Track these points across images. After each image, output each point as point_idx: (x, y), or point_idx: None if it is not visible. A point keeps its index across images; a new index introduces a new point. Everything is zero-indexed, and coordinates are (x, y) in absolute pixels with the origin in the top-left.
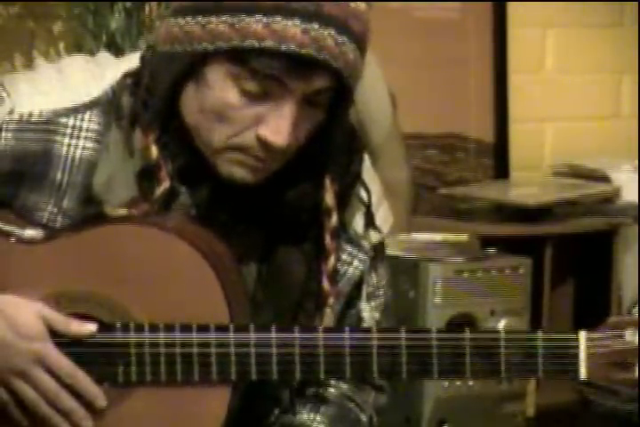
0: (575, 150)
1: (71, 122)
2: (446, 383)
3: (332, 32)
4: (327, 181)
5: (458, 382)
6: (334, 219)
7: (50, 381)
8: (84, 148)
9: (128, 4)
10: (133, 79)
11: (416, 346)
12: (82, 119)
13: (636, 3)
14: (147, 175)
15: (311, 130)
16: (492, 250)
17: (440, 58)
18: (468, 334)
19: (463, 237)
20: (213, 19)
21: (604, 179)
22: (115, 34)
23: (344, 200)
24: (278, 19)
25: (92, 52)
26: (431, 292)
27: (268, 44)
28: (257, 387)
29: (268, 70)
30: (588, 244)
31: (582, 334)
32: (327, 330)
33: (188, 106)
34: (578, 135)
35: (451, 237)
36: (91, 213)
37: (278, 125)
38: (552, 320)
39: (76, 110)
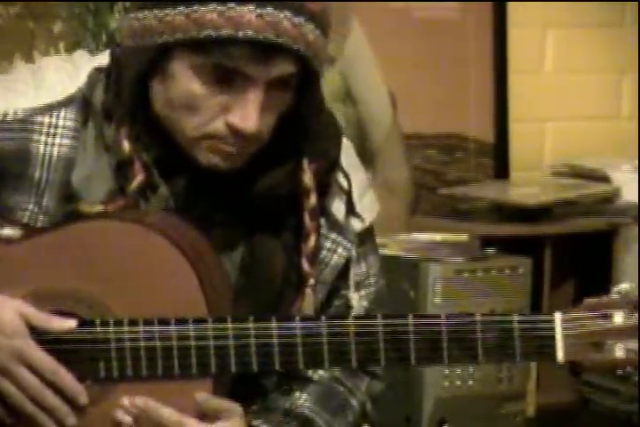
0: (575, 150)
1: (47, 120)
2: (446, 383)
3: (288, 14)
4: (305, 163)
5: (458, 382)
6: (313, 199)
7: (31, 378)
8: (60, 145)
9: (128, 4)
10: (105, 74)
11: (393, 332)
12: (57, 117)
13: (636, 3)
14: (122, 170)
15: (281, 113)
16: (491, 250)
17: (440, 58)
18: (443, 319)
19: (463, 237)
20: (169, 11)
21: (604, 179)
22: (115, 34)
23: (324, 187)
24: (232, 5)
25: (92, 53)
26: (431, 292)
27: (225, 32)
28: (245, 374)
29: (229, 60)
30: (588, 244)
31: (557, 315)
32: (304, 319)
33: (156, 98)
34: (578, 135)
35: (451, 237)
36: (70, 210)
37: (246, 112)
38: None
39: (51, 108)
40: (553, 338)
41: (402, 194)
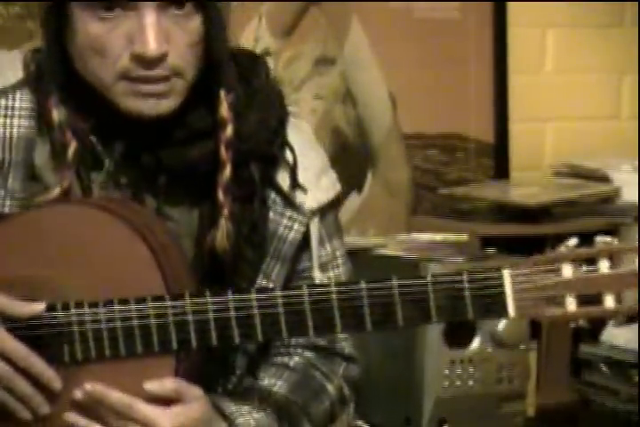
0: (575, 150)
1: (3, 102)
2: (446, 383)
3: None
4: (221, 94)
5: (458, 382)
6: (229, 130)
7: (3, 366)
8: (19, 126)
9: None
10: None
11: (347, 299)
12: (13, 99)
13: (636, 3)
14: (58, 140)
15: (197, 42)
16: (491, 250)
17: (440, 58)
18: (396, 282)
19: (463, 237)
20: None
21: (604, 179)
22: None
23: (269, 159)
24: None
25: None
26: None
27: None
28: (212, 353)
29: None
30: (588, 244)
31: (506, 272)
32: (259, 291)
33: (73, 57)
34: (578, 135)
35: (451, 237)
36: (36, 192)
37: (143, 36)
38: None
39: (5, 92)
40: (503, 295)
41: (402, 194)
